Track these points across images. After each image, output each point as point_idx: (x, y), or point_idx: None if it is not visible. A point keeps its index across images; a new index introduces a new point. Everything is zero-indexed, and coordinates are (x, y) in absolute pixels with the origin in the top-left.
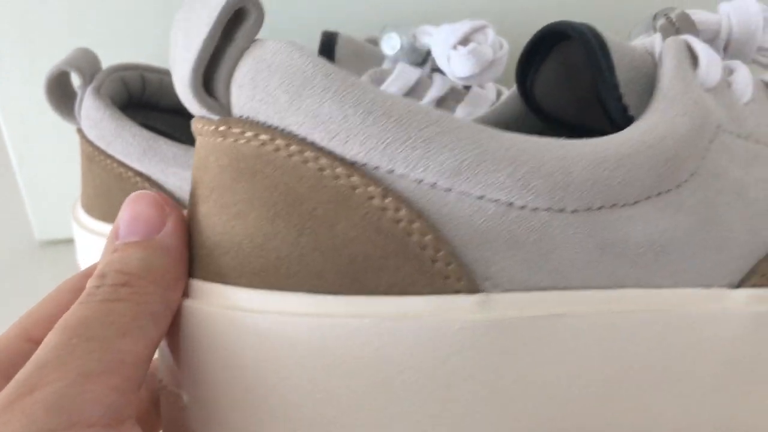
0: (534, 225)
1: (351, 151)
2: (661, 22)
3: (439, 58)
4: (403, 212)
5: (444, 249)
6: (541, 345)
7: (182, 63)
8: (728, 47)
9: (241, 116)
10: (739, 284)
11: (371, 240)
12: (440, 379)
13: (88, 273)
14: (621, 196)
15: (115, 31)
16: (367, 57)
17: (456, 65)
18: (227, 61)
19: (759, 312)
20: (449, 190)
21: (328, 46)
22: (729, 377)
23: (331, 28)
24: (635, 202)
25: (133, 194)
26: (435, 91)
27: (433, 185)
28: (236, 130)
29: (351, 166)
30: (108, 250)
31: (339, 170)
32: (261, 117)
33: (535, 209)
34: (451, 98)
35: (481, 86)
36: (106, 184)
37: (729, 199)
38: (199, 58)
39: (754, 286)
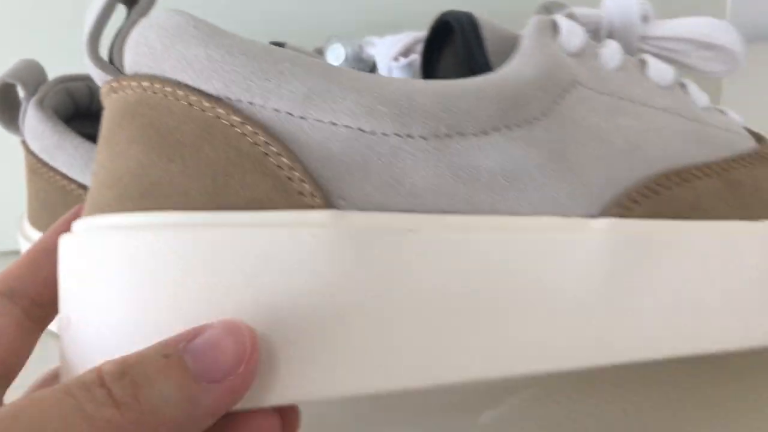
0: (385, 149)
1: (215, 86)
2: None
3: (381, 69)
4: (260, 137)
5: (298, 169)
6: (391, 258)
7: (84, 34)
8: (612, 38)
9: (130, 73)
10: (598, 216)
11: (232, 161)
12: (294, 284)
13: (58, 230)
14: (467, 125)
15: (64, 42)
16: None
17: (396, 76)
18: (121, 33)
19: (616, 238)
20: (303, 117)
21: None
22: (589, 300)
23: (282, 38)
24: (484, 132)
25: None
26: None
27: (290, 113)
28: (124, 84)
29: (216, 100)
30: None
31: (205, 104)
32: (143, 69)
33: (385, 134)
34: None
35: None
36: (50, 197)
37: (586, 141)
38: (94, 28)
39: (612, 216)
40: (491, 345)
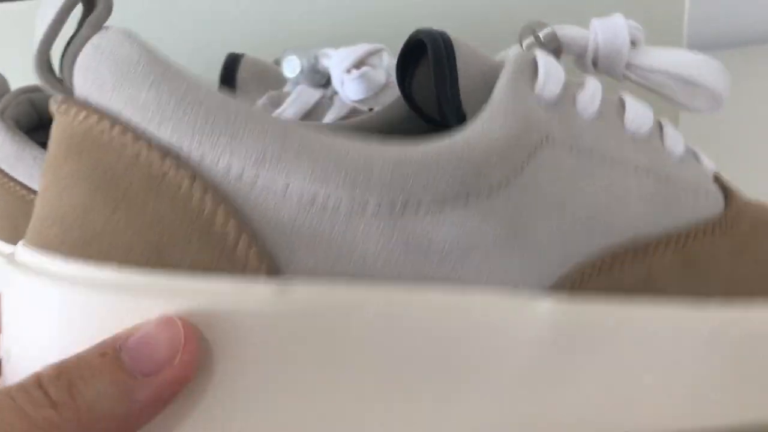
0: (337, 219)
1: (164, 135)
2: (527, 41)
3: (335, 81)
4: (209, 197)
5: (246, 235)
6: (334, 335)
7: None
8: (597, 63)
9: (79, 97)
10: (548, 292)
11: (178, 219)
12: (229, 362)
13: None
14: (424, 197)
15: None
16: (272, 79)
17: (348, 89)
18: (72, 46)
19: (561, 320)
20: (256, 178)
21: (230, 68)
22: (531, 378)
23: (241, 49)
24: (440, 204)
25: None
26: (334, 112)
27: (241, 173)
28: (72, 110)
29: (165, 150)
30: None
31: (153, 153)
32: (93, 99)
33: (338, 204)
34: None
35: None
36: (11, 207)
37: (546, 210)
38: (43, 42)
39: (561, 294)
40: (433, 420)
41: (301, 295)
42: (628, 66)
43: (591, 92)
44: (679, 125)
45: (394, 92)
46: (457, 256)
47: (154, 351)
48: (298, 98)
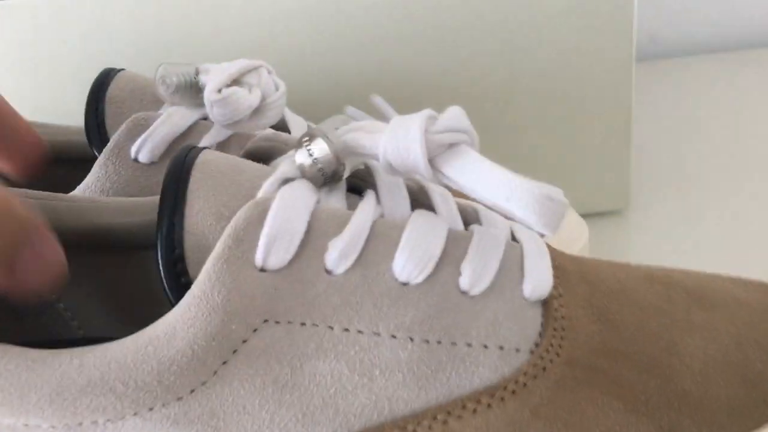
0: None
1: None
2: (298, 152)
3: (206, 101)
4: None
5: None
6: None
7: None
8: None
9: None
10: None
11: None
12: None
13: None
14: (99, 419)
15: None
16: (150, 97)
17: (215, 111)
18: None
19: None
20: None
21: (101, 84)
22: None
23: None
24: (119, 419)
25: None
26: (212, 136)
27: None
28: None
29: None
30: None
31: None
32: None
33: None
34: (235, 144)
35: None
36: None
37: (258, 405)
38: None
39: None
40: None
41: None
42: (434, 173)
43: (347, 239)
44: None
45: (273, 114)
46: None
47: None
48: (168, 120)
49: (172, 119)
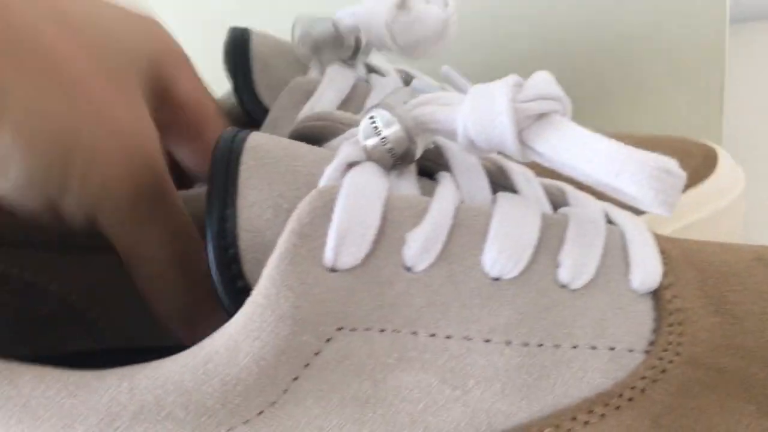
0: None
1: None
2: (366, 127)
3: (376, 30)
4: None
5: None
6: None
7: None
8: (476, 147)
9: None
10: None
11: None
12: None
13: None
14: None
15: None
16: (289, 56)
17: (397, 32)
18: None
19: None
20: None
21: (240, 46)
22: None
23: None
24: None
25: None
26: (376, 97)
27: None
28: None
29: None
30: None
31: None
32: None
33: None
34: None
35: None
36: None
37: (334, 425)
38: None
39: None
40: None
41: None
42: (523, 149)
43: (428, 229)
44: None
45: (451, 32)
46: None
47: None
48: (333, 82)
49: (335, 82)
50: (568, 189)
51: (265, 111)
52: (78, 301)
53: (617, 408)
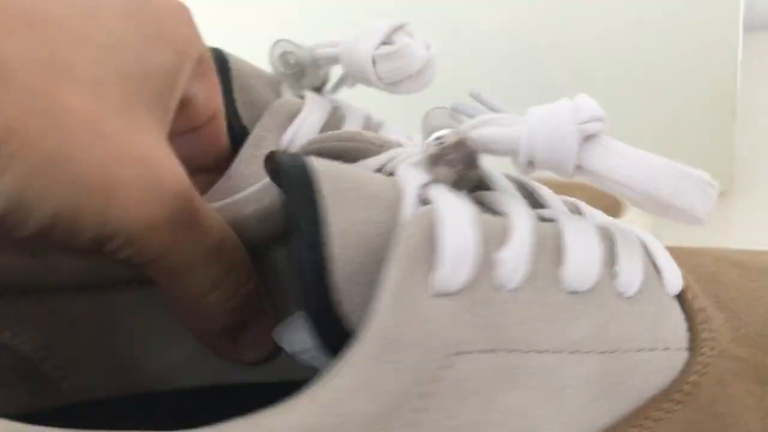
0: None
1: None
2: (432, 149)
3: (359, 63)
4: None
5: None
6: None
7: None
8: (534, 165)
9: None
10: None
11: None
12: None
13: None
14: None
15: None
16: (264, 78)
17: (381, 69)
18: None
19: None
20: None
21: (220, 62)
22: None
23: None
24: None
25: None
26: (350, 124)
27: None
28: None
29: None
30: None
31: None
32: None
33: None
34: None
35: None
36: None
37: None
38: None
39: None
40: None
41: None
42: (578, 168)
43: (517, 248)
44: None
45: (430, 74)
46: None
47: None
48: (315, 107)
49: (317, 106)
50: (581, 204)
51: (242, 127)
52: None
53: (680, 403)
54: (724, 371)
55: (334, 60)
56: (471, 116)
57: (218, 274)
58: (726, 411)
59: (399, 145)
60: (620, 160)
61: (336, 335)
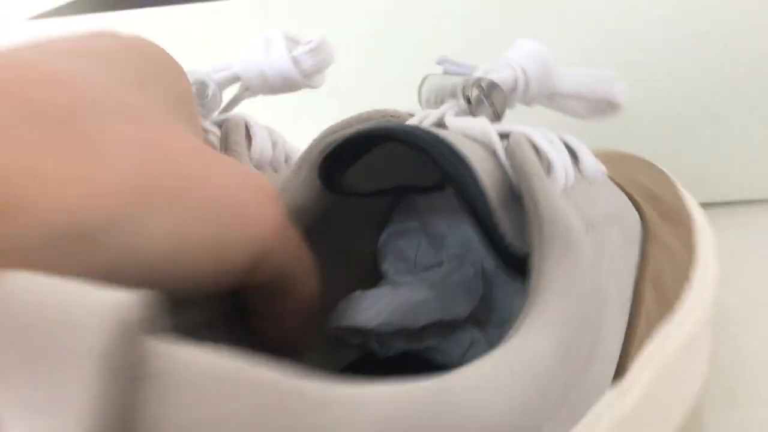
0: None
1: None
2: (474, 93)
3: (276, 70)
4: None
5: None
6: None
7: None
8: (526, 96)
9: None
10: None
11: None
12: None
13: None
14: None
15: None
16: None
17: (308, 64)
18: None
19: None
20: None
21: None
22: None
23: None
24: None
25: None
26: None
27: None
28: None
29: None
30: None
31: None
32: None
33: None
34: None
35: None
36: None
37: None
38: None
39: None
40: None
41: None
42: (551, 95)
43: (587, 156)
44: None
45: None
46: None
47: None
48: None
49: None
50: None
51: None
52: None
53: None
54: (653, 222)
55: (234, 80)
56: (461, 73)
57: (315, 270)
58: (667, 240)
59: (410, 114)
60: (569, 80)
61: (505, 248)
